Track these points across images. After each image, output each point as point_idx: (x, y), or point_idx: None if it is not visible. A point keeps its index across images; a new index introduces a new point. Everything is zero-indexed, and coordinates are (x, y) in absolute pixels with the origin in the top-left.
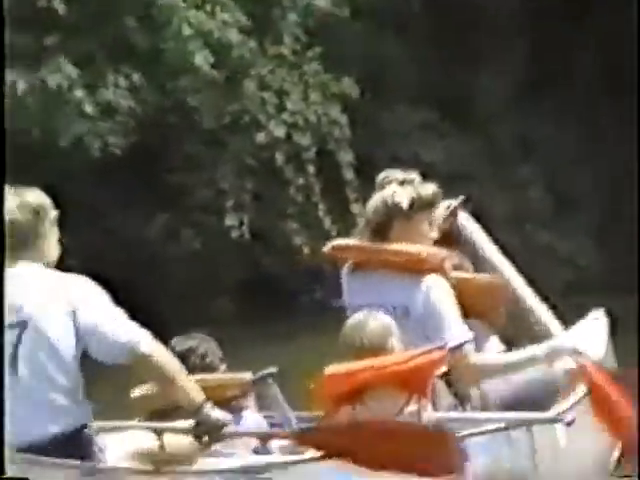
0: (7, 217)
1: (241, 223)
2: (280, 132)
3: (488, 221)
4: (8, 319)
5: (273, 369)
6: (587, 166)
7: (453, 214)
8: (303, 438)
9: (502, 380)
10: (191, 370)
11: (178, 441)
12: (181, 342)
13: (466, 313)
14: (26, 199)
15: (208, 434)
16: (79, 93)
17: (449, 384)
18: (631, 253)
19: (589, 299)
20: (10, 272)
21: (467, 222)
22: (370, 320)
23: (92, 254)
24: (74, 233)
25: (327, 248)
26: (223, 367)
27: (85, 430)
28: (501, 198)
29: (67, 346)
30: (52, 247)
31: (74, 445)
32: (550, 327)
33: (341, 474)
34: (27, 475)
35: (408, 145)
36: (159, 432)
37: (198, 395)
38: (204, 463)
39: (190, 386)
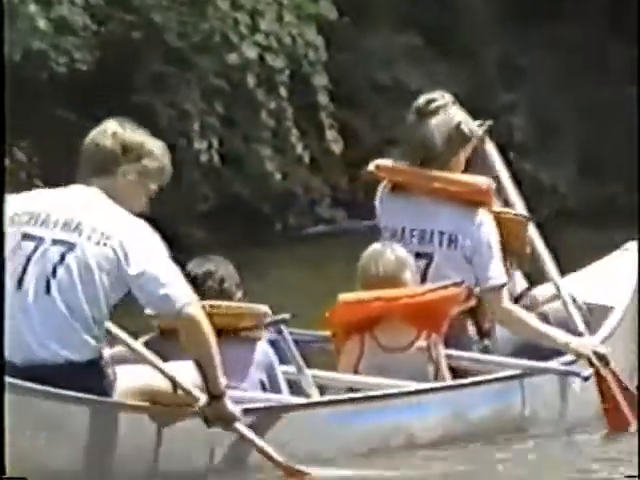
0: (98, 138)
1: (210, 146)
2: (252, 54)
3: None
4: (57, 234)
5: (287, 315)
6: (572, 94)
7: (483, 140)
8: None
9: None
10: (207, 295)
11: (187, 383)
12: (198, 264)
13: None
14: (123, 131)
15: (217, 422)
16: (32, 8)
17: (474, 318)
18: (616, 180)
19: (572, 228)
20: (81, 190)
21: (492, 149)
22: (388, 251)
23: (55, 173)
24: (35, 150)
25: (371, 166)
26: (240, 294)
27: (98, 363)
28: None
29: (107, 284)
30: (134, 194)
31: (83, 376)
32: (551, 272)
33: (340, 415)
34: (25, 407)
35: (390, 70)
36: (173, 382)
37: (222, 384)
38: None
39: (219, 371)
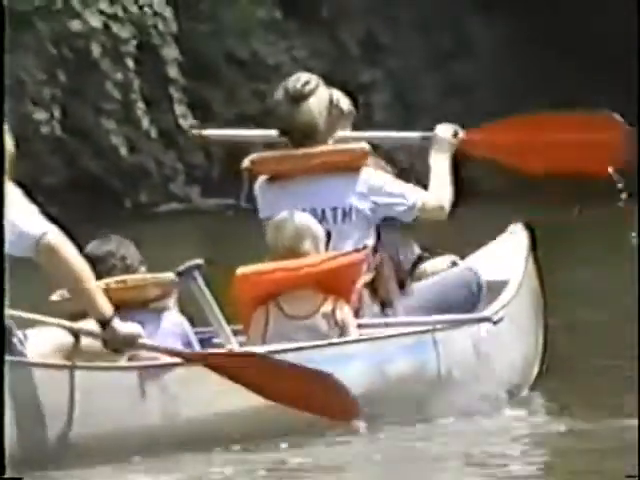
0: None
1: (51, 117)
2: (96, 22)
3: None
4: None
5: (199, 261)
6: (438, 74)
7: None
8: (209, 362)
9: (421, 289)
10: (110, 272)
11: (94, 342)
12: (98, 245)
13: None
14: None
15: (117, 349)
16: None
17: (374, 292)
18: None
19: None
20: None
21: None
22: (287, 222)
23: None
24: None
25: (245, 163)
26: (143, 269)
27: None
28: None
29: None
30: None
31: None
32: None
33: None
34: None
35: (247, 43)
36: (75, 333)
37: (107, 308)
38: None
39: (99, 297)
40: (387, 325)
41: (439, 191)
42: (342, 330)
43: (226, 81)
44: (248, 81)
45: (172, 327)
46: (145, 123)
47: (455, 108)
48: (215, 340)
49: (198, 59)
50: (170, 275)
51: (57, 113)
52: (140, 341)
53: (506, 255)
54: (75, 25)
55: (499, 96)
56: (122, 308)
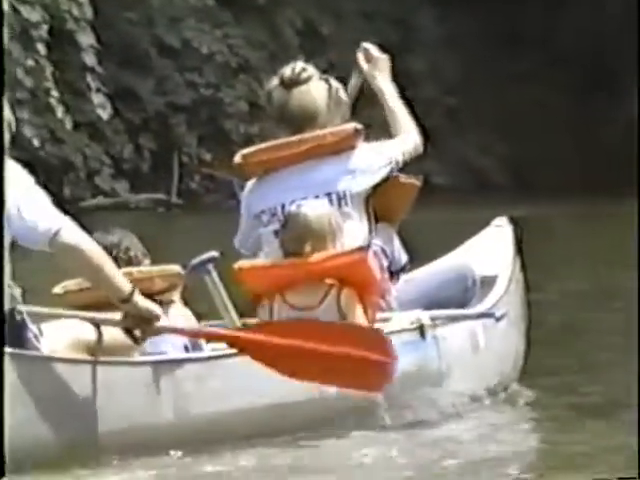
0: None
1: None
2: (4, 4)
3: (264, 114)
4: None
5: (214, 253)
6: None
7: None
8: (231, 340)
9: (415, 284)
10: (115, 264)
11: (114, 334)
12: (101, 237)
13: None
14: None
15: (139, 326)
16: None
17: None
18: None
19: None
20: None
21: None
22: (292, 220)
23: None
24: None
25: (237, 159)
26: (147, 262)
27: (16, 315)
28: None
29: None
30: None
31: (6, 329)
32: None
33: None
34: None
35: (178, 31)
36: (96, 324)
37: (125, 285)
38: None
39: (117, 276)
40: (385, 321)
41: (405, 127)
42: (345, 320)
43: (156, 70)
44: (179, 70)
45: (179, 320)
46: (59, 113)
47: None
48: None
49: (126, 47)
50: (176, 267)
51: None
52: (160, 324)
53: (493, 249)
54: None
55: (445, 91)
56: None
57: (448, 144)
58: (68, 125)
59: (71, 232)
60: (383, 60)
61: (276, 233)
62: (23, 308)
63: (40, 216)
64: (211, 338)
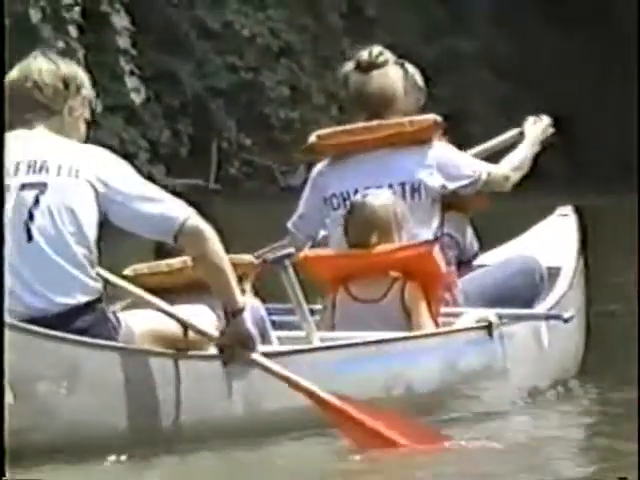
0: (34, 76)
1: None
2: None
3: (306, 98)
4: (24, 178)
5: (291, 249)
6: (438, 46)
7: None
8: (318, 400)
9: (482, 276)
10: (181, 252)
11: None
12: None
13: (449, 205)
14: (59, 66)
15: (233, 348)
16: None
17: None
18: None
19: None
20: (28, 133)
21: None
22: (357, 209)
23: None
24: None
25: (312, 138)
26: None
27: (99, 305)
28: (322, 76)
29: (88, 215)
30: (79, 127)
31: (86, 320)
32: None
33: (346, 362)
34: (25, 352)
35: (220, 14)
36: (183, 322)
37: (240, 296)
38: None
39: (235, 284)
40: (454, 316)
41: (509, 162)
42: (408, 315)
43: (195, 53)
44: (219, 53)
45: (251, 312)
46: None
47: (446, 90)
48: (280, 319)
49: (165, 29)
50: (248, 257)
51: None
52: (255, 357)
53: (557, 239)
54: None
55: (495, 74)
56: (198, 290)
57: (499, 130)
58: (99, 109)
59: (199, 219)
60: (543, 122)
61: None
62: (102, 271)
63: (169, 203)
64: (298, 390)
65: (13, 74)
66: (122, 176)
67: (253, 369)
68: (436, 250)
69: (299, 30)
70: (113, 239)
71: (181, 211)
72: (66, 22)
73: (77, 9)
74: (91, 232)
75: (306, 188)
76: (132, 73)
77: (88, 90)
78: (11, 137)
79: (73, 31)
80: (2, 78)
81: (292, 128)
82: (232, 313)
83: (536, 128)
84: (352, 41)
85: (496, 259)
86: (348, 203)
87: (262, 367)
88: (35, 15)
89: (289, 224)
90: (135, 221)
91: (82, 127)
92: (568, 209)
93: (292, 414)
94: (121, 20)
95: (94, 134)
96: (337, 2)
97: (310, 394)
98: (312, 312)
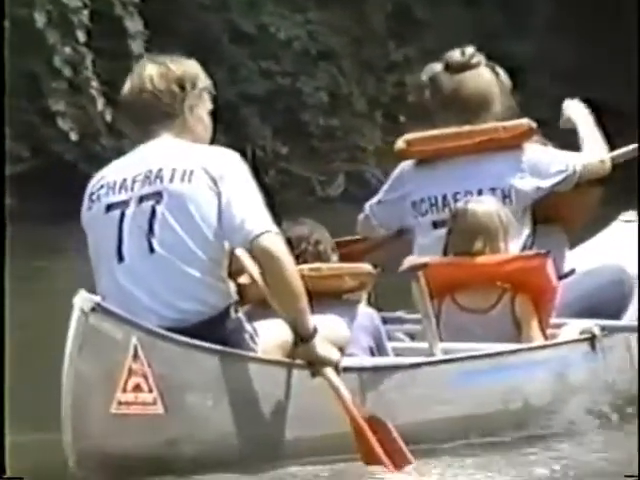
0: (148, 86)
1: None
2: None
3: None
4: (141, 191)
5: (426, 259)
6: (486, 49)
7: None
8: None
9: (571, 286)
10: (303, 258)
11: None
12: (290, 228)
13: (548, 216)
14: (170, 68)
15: (311, 366)
16: None
17: None
18: None
19: None
20: (155, 143)
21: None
22: (461, 216)
23: None
24: None
25: (399, 145)
26: (335, 258)
27: (235, 312)
28: (364, 81)
29: (209, 218)
30: (201, 124)
31: (220, 330)
32: None
33: (468, 374)
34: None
35: (255, 16)
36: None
37: (312, 322)
38: None
39: (308, 309)
40: (557, 327)
41: (595, 146)
42: (519, 327)
43: (227, 58)
44: (253, 58)
45: (365, 321)
46: (100, 105)
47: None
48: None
49: (196, 33)
50: (368, 266)
51: None
52: (327, 372)
53: (627, 246)
54: None
55: (555, 79)
56: (314, 298)
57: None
58: (108, 117)
59: (275, 240)
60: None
61: (434, 224)
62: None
63: (254, 215)
64: (348, 414)
65: (126, 88)
66: (231, 176)
67: (385, 381)
68: (549, 263)
69: (340, 33)
70: None
71: (262, 225)
72: (74, 26)
73: (85, 12)
74: (211, 232)
75: (388, 181)
76: None
77: (203, 81)
78: (135, 151)
79: (81, 36)
80: (2, 78)
81: (332, 136)
82: (301, 338)
83: (579, 107)
84: (397, 44)
85: (571, 266)
86: (437, 208)
87: (335, 391)
88: (40, 19)
89: (367, 205)
90: (223, 221)
91: (207, 121)
92: (632, 214)
93: (423, 427)
94: (135, 24)
95: (116, 142)
96: (382, 2)
97: (352, 419)
98: (401, 320)
